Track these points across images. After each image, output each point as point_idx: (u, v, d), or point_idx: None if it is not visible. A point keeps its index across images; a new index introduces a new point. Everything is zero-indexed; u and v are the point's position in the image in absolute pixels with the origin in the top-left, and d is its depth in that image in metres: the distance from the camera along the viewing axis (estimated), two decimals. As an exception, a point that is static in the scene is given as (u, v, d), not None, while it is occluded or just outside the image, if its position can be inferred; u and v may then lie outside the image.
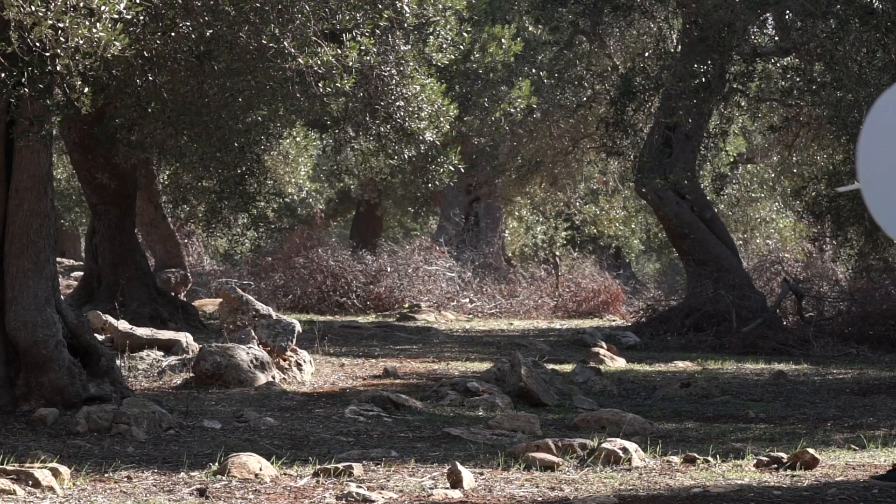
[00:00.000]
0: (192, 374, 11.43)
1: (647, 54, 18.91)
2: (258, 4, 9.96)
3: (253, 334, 12.12)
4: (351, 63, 9.91)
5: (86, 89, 7.63)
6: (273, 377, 11.59)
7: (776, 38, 17.67)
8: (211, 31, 10.03)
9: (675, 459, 7.54)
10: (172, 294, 17.97)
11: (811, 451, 7.24)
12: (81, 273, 19.81)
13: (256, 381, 11.33)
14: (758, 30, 17.46)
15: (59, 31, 6.99)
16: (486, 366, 13.03)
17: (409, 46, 11.14)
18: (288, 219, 29.33)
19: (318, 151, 25.82)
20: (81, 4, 7.00)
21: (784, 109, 17.85)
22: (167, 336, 12.99)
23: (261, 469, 7.06)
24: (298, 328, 12.43)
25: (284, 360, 12.11)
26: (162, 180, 19.30)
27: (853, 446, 8.31)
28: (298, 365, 12.19)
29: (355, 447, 8.33)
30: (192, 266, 24.96)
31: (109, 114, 13.06)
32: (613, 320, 22.55)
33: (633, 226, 29.51)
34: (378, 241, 27.47)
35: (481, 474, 7.05)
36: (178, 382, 11.39)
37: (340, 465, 7.08)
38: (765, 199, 28.20)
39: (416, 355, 15.01)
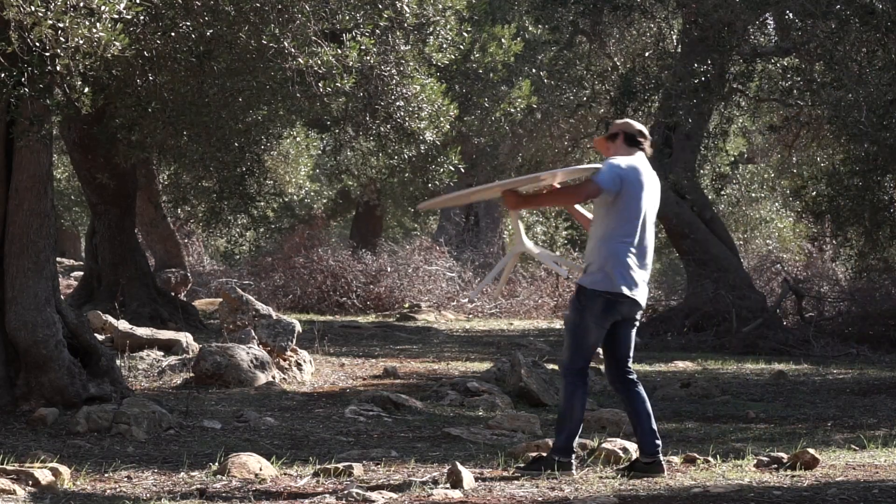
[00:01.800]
0: (192, 374, 11.43)
1: (647, 54, 18.91)
2: (258, 4, 9.96)
3: (253, 334, 12.12)
4: (351, 63, 9.91)
5: (86, 89, 7.63)
6: (273, 377, 11.58)
7: (776, 38, 17.67)
8: (211, 31, 10.03)
9: (675, 459, 7.54)
10: (172, 294, 17.98)
11: (811, 451, 7.23)
12: (81, 273, 19.81)
13: (256, 381, 11.33)
14: (758, 30, 17.46)
15: (59, 31, 6.99)
16: (486, 366, 13.03)
17: (409, 46, 11.14)
18: (288, 219, 29.33)
19: (318, 151, 25.82)
20: (81, 4, 6.99)
21: (784, 109, 17.86)
22: (167, 336, 12.99)
23: (261, 469, 7.06)
24: (298, 328, 12.43)
25: (284, 360, 12.11)
26: (162, 180, 19.30)
27: (853, 446, 8.31)
28: (298, 365, 12.18)
29: (355, 447, 8.32)
30: (192, 266, 24.96)
31: (109, 114, 13.06)
32: (613, 320, 22.52)
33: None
34: (378, 241, 27.47)
35: (481, 474, 7.05)
36: (178, 382, 11.38)
37: (340, 465, 7.08)
38: (765, 199, 28.21)
39: (416, 355, 15.01)
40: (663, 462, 7.02)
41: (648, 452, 6.96)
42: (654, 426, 6.99)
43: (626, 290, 6.87)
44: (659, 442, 7.00)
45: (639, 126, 7.34)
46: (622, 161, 7.08)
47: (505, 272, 7.59)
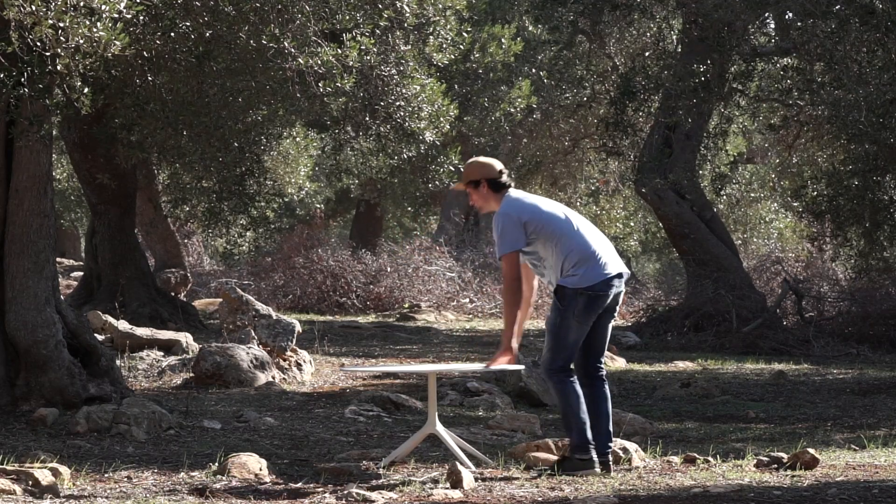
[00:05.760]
0: (192, 374, 11.43)
1: (647, 54, 18.92)
2: (258, 4, 9.96)
3: (253, 334, 12.11)
4: (351, 63, 9.91)
5: (86, 89, 7.63)
6: (273, 377, 11.58)
7: (776, 38, 17.67)
8: (211, 31, 10.03)
9: (675, 459, 7.55)
10: (172, 294, 17.97)
11: (811, 451, 7.23)
12: (81, 273, 19.81)
13: (256, 381, 11.33)
14: (758, 30, 17.46)
15: (59, 31, 6.99)
16: (486, 366, 13.01)
17: (409, 46, 11.14)
18: (288, 219, 29.33)
19: (318, 151, 25.82)
20: (81, 4, 6.99)
21: (784, 109, 17.85)
22: (167, 336, 12.99)
23: (261, 469, 7.06)
24: (298, 328, 12.42)
25: (284, 360, 12.11)
26: (162, 180, 19.29)
27: (853, 446, 8.31)
28: (298, 365, 12.18)
29: (355, 447, 8.32)
30: (192, 266, 24.96)
31: (109, 114, 13.06)
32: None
33: (632, 224, 29.53)
34: (378, 241, 27.46)
35: (481, 474, 7.05)
36: (178, 382, 11.38)
37: (340, 465, 7.08)
38: (765, 199, 28.22)
39: (416, 355, 15.01)
40: (610, 463, 7.05)
41: (600, 452, 7.00)
42: (611, 428, 7.06)
43: (605, 274, 6.90)
44: (612, 444, 7.09)
45: (497, 165, 7.21)
46: (505, 212, 7.01)
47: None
